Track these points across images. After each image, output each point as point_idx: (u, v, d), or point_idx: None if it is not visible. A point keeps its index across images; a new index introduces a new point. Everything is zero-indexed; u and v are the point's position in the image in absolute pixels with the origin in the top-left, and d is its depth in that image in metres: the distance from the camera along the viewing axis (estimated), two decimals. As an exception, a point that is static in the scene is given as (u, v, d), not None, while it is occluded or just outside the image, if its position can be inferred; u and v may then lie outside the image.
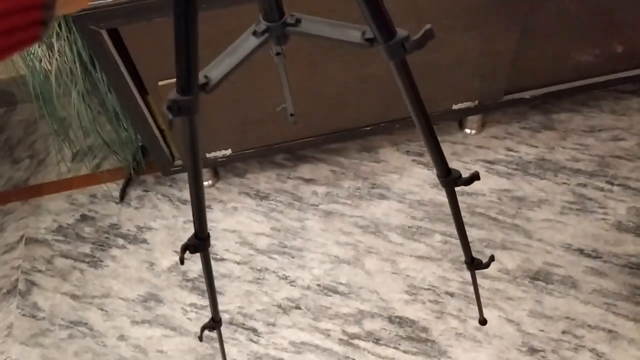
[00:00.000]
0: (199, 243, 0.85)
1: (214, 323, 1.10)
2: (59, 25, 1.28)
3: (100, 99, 1.49)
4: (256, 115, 1.45)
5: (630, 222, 1.46)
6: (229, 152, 1.54)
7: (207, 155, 1.53)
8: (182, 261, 0.82)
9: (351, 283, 1.45)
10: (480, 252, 1.46)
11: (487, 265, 1.04)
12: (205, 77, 0.62)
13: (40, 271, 1.58)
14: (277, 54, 0.86)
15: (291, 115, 1.21)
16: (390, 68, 0.65)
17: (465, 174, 1.65)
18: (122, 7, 1.10)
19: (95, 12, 1.10)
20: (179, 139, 1.48)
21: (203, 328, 1.10)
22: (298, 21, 0.64)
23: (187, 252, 0.84)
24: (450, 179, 0.82)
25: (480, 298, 1.24)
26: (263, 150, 1.57)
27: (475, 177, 0.81)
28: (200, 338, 1.14)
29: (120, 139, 1.64)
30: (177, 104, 0.60)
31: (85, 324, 1.46)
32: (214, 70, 0.63)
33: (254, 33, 0.64)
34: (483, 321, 1.26)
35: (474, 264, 1.04)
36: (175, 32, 0.53)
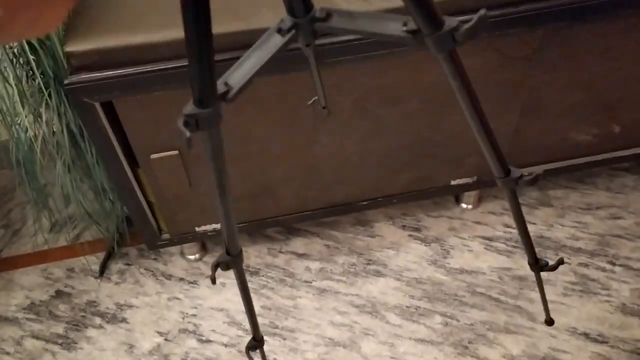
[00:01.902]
0: (231, 259, 0.79)
1: (256, 342, 1.00)
2: (49, 95, 1.23)
3: (86, 169, 1.42)
4: (247, 189, 1.39)
5: (635, 304, 1.42)
6: (219, 225, 1.46)
7: (197, 229, 1.46)
8: (213, 281, 0.76)
9: (348, 369, 1.36)
10: (483, 336, 1.39)
11: (553, 268, 0.94)
12: (226, 84, 0.54)
13: (8, 353, 1.44)
14: (307, 45, 0.75)
15: (323, 107, 1.11)
16: (439, 62, 0.57)
17: (464, 252, 1.60)
18: (119, 80, 1.05)
19: (91, 85, 1.05)
20: (167, 213, 1.41)
21: (247, 349, 1.00)
22: (329, 15, 0.56)
23: (219, 269, 0.78)
24: (510, 179, 0.74)
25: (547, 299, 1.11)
26: (255, 224, 1.50)
27: (536, 178, 0.72)
28: (249, 358, 1.01)
29: (103, 210, 1.56)
30: (195, 118, 0.51)
31: (56, 415, 1.33)
32: (234, 75, 0.54)
33: (279, 30, 0.56)
34: (550, 321, 1.16)
35: (538, 266, 0.96)
36: (186, 33, 0.44)
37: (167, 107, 1.14)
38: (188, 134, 0.51)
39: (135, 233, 1.65)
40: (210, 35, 0.44)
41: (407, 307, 1.47)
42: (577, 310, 1.42)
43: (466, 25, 0.51)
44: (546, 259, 0.97)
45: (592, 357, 1.33)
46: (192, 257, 1.61)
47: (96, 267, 1.61)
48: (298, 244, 1.63)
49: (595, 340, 1.36)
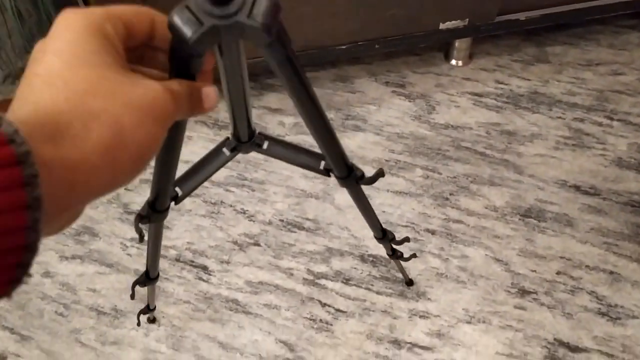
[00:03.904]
0: (149, 280, 0.90)
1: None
2: None
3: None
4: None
5: (632, 158, 1.31)
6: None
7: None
8: (132, 296, 0.88)
9: (319, 219, 1.27)
10: (466, 188, 1.29)
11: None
12: (176, 189, 0.65)
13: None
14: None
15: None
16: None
17: (451, 108, 1.47)
18: None
19: None
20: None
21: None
22: (264, 140, 0.67)
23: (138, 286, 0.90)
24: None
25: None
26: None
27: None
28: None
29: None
30: (148, 217, 0.63)
31: (5, 258, 1.24)
32: (185, 184, 0.66)
33: (224, 148, 0.66)
34: (410, 282, 1.16)
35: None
36: (157, 161, 0.55)
37: None
38: (141, 231, 0.62)
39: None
40: (177, 153, 0.54)
41: (386, 160, 1.36)
42: (568, 163, 1.32)
43: (368, 176, 0.68)
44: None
45: (582, 209, 1.24)
46: (156, 109, 1.49)
47: (52, 119, 1.49)
48: (272, 99, 1.51)
49: (586, 193, 1.27)
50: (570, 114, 1.40)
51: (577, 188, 1.27)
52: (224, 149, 0.65)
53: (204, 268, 1.21)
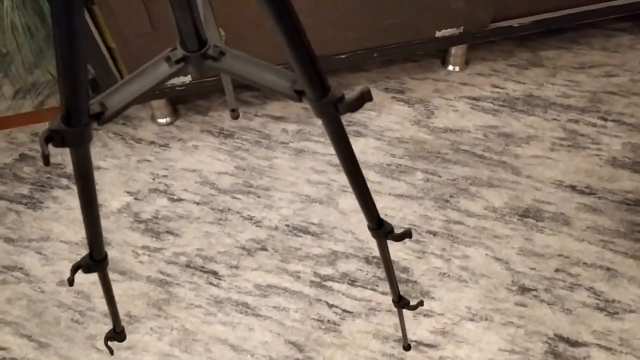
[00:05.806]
0: (94, 264, 0.75)
1: (116, 334, 0.93)
2: None
3: (39, 10, 1.31)
4: (219, 34, 1.29)
5: (626, 157, 1.35)
6: (188, 79, 1.37)
7: (164, 82, 1.37)
8: (71, 283, 0.73)
9: (324, 223, 1.31)
10: (465, 190, 1.33)
11: (414, 307, 0.95)
12: (102, 104, 0.51)
13: (-30, 213, 1.39)
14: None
15: (232, 110, 1.15)
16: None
17: (449, 112, 1.51)
18: None
19: None
20: (129, 59, 1.31)
21: (106, 339, 0.91)
22: (222, 54, 0.53)
23: (80, 271, 0.74)
24: (381, 232, 0.76)
25: (405, 322, 1.07)
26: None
27: (406, 234, 0.74)
28: (108, 348, 0.90)
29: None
30: (61, 135, 0.49)
31: (21, 268, 1.28)
32: (113, 98, 0.52)
33: (167, 59, 0.53)
34: (407, 347, 1.11)
35: (400, 303, 0.95)
36: (55, 47, 0.42)
37: None
38: (47, 151, 0.46)
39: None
40: (80, 50, 0.42)
41: (387, 165, 1.40)
42: (564, 164, 1.36)
43: (349, 98, 0.52)
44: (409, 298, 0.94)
45: (578, 208, 1.28)
46: (163, 120, 1.53)
47: (62, 132, 1.53)
48: (274, 107, 1.55)
49: (582, 192, 1.31)
50: (565, 116, 1.44)
51: (573, 188, 1.31)
52: (165, 59, 0.54)
53: (214, 273, 1.24)
